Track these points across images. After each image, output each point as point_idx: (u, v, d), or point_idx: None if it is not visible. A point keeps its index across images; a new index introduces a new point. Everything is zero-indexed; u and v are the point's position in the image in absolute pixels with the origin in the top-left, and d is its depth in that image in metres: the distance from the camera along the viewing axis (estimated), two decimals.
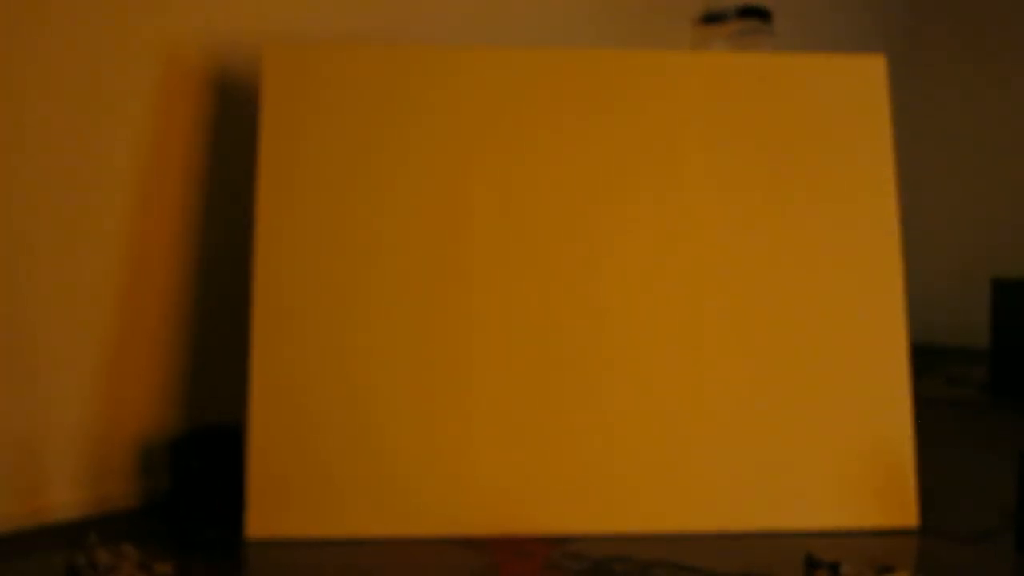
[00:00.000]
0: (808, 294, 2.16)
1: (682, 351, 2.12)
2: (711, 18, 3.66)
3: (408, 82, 2.17)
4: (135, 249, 2.27)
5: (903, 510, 2.09)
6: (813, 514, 2.08)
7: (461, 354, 2.09)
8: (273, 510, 2.01)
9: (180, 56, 2.32)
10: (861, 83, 2.23)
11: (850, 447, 2.11)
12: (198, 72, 2.35)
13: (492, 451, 2.06)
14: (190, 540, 1.93)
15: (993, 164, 4.93)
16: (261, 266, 2.08)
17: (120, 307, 2.25)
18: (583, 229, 2.15)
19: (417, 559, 1.91)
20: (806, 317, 2.15)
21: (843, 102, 2.23)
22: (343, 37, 2.59)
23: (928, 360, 4.44)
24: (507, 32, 3.00)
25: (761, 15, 3.62)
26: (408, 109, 2.16)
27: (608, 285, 2.14)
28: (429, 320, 2.10)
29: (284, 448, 2.03)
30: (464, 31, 2.89)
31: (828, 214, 2.19)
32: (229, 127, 2.38)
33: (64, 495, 2.16)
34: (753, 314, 2.15)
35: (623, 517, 2.05)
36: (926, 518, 2.10)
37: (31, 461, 2.12)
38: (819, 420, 2.11)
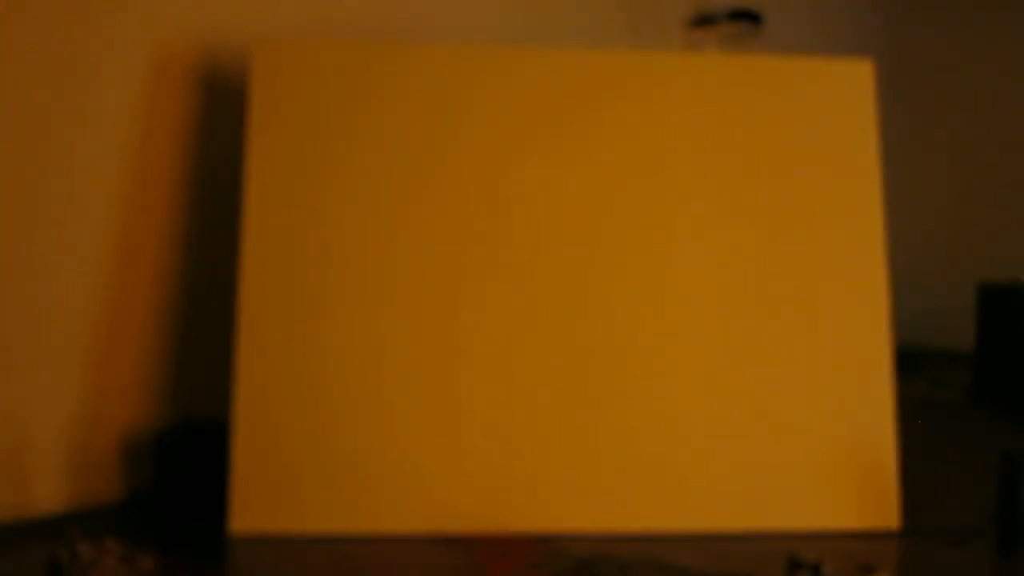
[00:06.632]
0: (792, 298, 2.17)
1: (665, 355, 2.13)
2: (702, 20, 3.67)
3: (398, 80, 2.17)
4: (122, 246, 2.27)
5: (885, 512, 2.10)
6: (796, 515, 2.09)
7: (449, 354, 2.10)
8: (257, 505, 2.01)
9: (168, 52, 2.31)
10: (848, 87, 2.24)
11: (833, 450, 2.12)
12: (187, 68, 2.35)
13: (478, 450, 2.07)
14: (173, 534, 1.93)
15: (980, 168, 4.95)
16: (248, 264, 2.08)
17: (106, 303, 2.25)
18: (572, 233, 2.15)
19: (401, 557, 1.92)
20: (789, 320, 2.16)
21: (830, 105, 2.24)
22: (335, 33, 2.59)
23: (913, 362, 4.46)
24: (499, 31, 3.00)
25: (752, 18, 3.63)
26: (398, 107, 2.16)
27: (594, 289, 2.14)
28: (418, 319, 2.10)
29: (268, 444, 2.03)
30: (457, 29, 2.89)
31: (814, 216, 2.19)
32: (218, 123, 2.38)
33: (48, 489, 2.16)
34: (736, 316, 2.15)
35: (607, 516, 2.06)
36: (909, 519, 2.11)
37: (15, 455, 2.12)
38: (803, 423, 2.12)
